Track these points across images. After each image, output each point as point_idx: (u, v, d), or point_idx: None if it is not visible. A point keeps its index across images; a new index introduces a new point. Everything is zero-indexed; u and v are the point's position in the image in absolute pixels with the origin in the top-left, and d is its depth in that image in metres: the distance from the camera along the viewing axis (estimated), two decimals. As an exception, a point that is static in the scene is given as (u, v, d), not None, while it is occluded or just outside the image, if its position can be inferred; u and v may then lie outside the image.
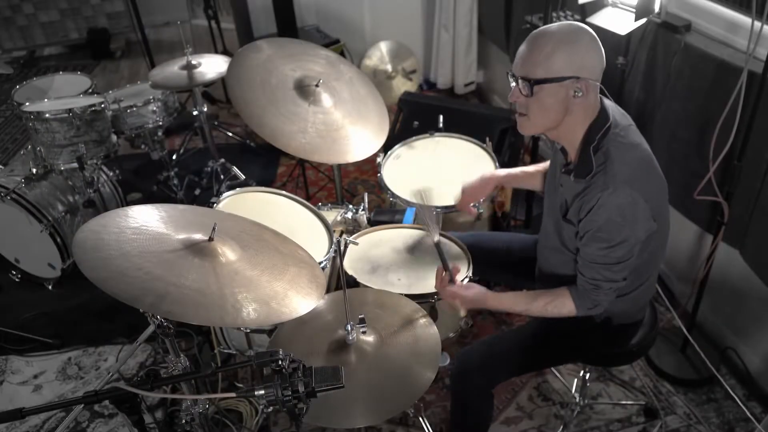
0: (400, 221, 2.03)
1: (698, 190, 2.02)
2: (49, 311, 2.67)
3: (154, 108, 3.00)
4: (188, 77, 2.84)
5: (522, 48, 1.40)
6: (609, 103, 1.47)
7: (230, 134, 3.87)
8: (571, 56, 1.34)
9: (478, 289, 1.63)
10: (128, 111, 2.94)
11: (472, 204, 1.94)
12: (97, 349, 2.48)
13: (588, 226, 1.42)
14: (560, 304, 1.53)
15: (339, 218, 2.10)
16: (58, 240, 2.63)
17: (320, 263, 1.72)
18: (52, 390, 2.32)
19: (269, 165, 3.61)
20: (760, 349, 2.16)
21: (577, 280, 1.52)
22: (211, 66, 2.93)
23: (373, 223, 2.07)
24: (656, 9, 2.23)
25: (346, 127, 2.04)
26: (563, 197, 1.52)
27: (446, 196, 2.08)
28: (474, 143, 2.38)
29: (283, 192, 2.09)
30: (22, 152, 2.94)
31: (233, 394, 1.14)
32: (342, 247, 1.83)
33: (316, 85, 2.02)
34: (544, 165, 1.84)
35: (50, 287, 2.79)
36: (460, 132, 2.42)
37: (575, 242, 1.51)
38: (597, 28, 2.36)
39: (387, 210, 2.14)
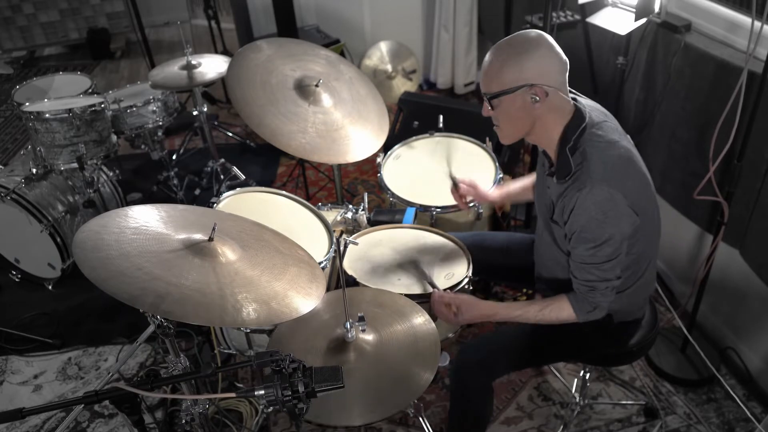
0: (400, 221, 2.03)
1: (698, 190, 2.02)
2: (49, 311, 2.67)
3: (154, 108, 3.00)
4: (188, 77, 2.84)
5: (483, 64, 1.45)
6: (586, 102, 1.49)
7: (230, 134, 3.87)
8: (520, 66, 1.38)
9: (472, 313, 1.61)
10: (128, 111, 2.95)
11: (469, 202, 1.99)
12: (97, 349, 2.48)
13: (573, 228, 1.44)
14: (558, 309, 1.53)
15: (339, 218, 2.11)
16: (58, 240, 2.63)
17: (320, 263, 1.72)
18: (52, 390, 2.33)
19: (269, 165, 3.61)
20: (760, 349, 2.16)
21: (572, 285, 1.53)
22: (211, 66, 2.93)
23: (373, 223, 2.07)
24: (656, 9, 2.24)
25: (346, 127, 2.04)
26: (549, 198, 1.54)
27: (446, 196, 2.08)
28: (474, 143, 2.39)
29: (283, 192, 2.09)
30: (22, 152, 2.94)
31: (233, 394, 1.14)
32: (342, 247, 1.83)
33: (316, 85, 2.02)
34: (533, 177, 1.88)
35: (50, 287, 2.79)
36: (460, 132, 2.42)
37: (566, 243, 1.52)
38: (597, 28, 2.38)
39: (387, 210, 2.14)
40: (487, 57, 1.43)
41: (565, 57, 1.42)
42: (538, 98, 1.39)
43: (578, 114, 1.44)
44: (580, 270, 1.48)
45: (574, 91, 1.49)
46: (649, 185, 1.50)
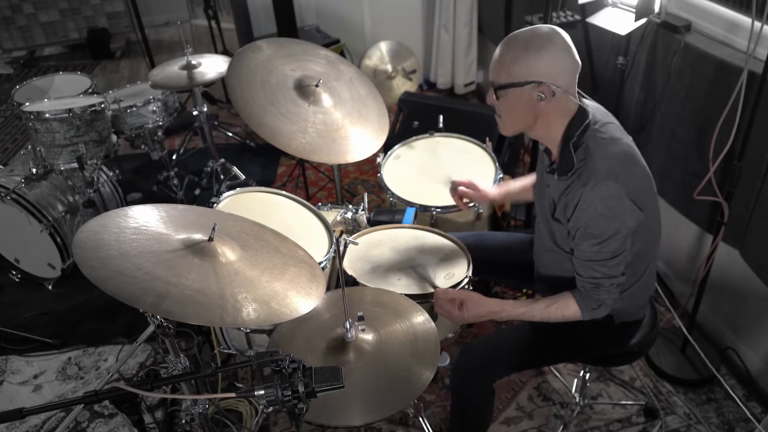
0: (400, 221, 2.03)
1: (698, 190, 2.02)
2: (49, 311, 2.67)
3: (154, 108, 3.00)
4: (188, 77, 2.84)
5: (494, 52, 1.45)
6: (590, 103, 1.50)
7: (230, 134, 3.87)
8: (532, 62, 1.38)
9: (478, 310, 1.60)
10: (128, 111, 2.95)
11: (468, 203, 1.99)
12: (97, 349, 2.48)
13: (577, 224, 1.43)
14: (563, 306, 1.53)
15: (339, 218, 2.11)
16: (58, 240, 2.63)
17: (320, 263, 1.72)
18: (52, 390, 2.33)
19: (269, 165, 3.61)
20: (760, 349, 2.16)
21: (576, 283, 1.52)
22: (211, 66, 2.93)
23: (373, 223, 2.07)
24: (656, 9, 2.24)
25: (346, 127, 2.04)
26: (550, 197, 1.54)
27: (446, 196, 2.08)
28: (474, 143, 2.38)
29: (283, 192, 2.09)
30: (22, 152, 2.94)
31: (233, 394, 1.14)
32: (342, 247, 1.83)
33: (316, 85, 2.02)
34: (534, 178, 1.87)
35: (50, 287, 2.79)
36: (460, 132, 2.42)
37: (568, 242, 1.52)
38: (597, 28, 2.38)
39: (387, 210, 2.14)
40: (501, 47, 1.43)
41: (578, 59, 1.41)
42: (543, 96, 1.40)
43: (581, 112, 1.45)
44: (584, 267, 1.48)
45: (581, 92, 1.48)
46: (652, 185, 1.51)
